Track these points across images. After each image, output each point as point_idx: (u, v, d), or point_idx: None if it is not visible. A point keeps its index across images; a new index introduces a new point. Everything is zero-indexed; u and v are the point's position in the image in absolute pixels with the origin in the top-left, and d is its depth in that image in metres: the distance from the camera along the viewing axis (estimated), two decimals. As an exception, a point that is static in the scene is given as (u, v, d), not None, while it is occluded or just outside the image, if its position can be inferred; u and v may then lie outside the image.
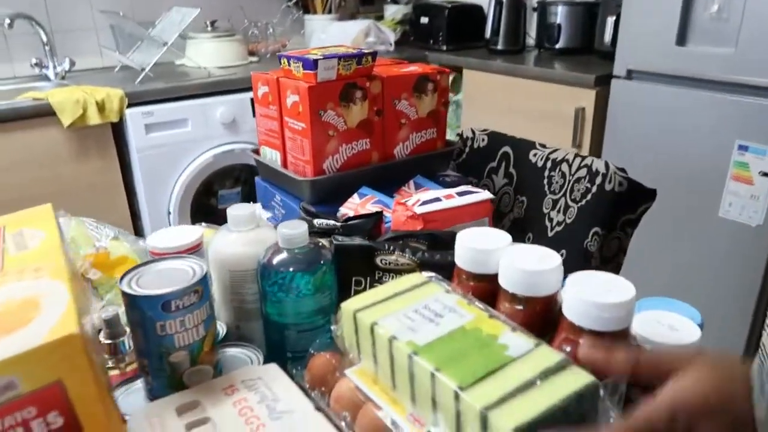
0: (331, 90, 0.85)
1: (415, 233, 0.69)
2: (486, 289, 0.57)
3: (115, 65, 2.27)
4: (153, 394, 0.54)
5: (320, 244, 0.63)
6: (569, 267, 0.90)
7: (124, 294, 0.50)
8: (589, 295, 0.47)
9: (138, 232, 2.04)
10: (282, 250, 0.60)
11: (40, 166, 1.79)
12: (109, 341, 0.59)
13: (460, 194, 0.79)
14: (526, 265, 0.51)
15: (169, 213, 2.00)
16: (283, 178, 0.92)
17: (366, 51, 0.88)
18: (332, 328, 0.53)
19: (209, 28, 2.34)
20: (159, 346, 0.51)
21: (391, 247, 0.66)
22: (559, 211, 0.95)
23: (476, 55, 2.41)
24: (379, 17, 2.88)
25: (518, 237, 1.02)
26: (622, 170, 0.89)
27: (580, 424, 0.41)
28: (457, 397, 0.41)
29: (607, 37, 2.10)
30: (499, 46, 2.47)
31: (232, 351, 0.61)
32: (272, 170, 0.95)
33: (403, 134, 0.96)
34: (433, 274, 0.57)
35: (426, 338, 0.47)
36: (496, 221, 1.06)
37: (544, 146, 1.01)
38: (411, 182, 0.92)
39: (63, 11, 2.22)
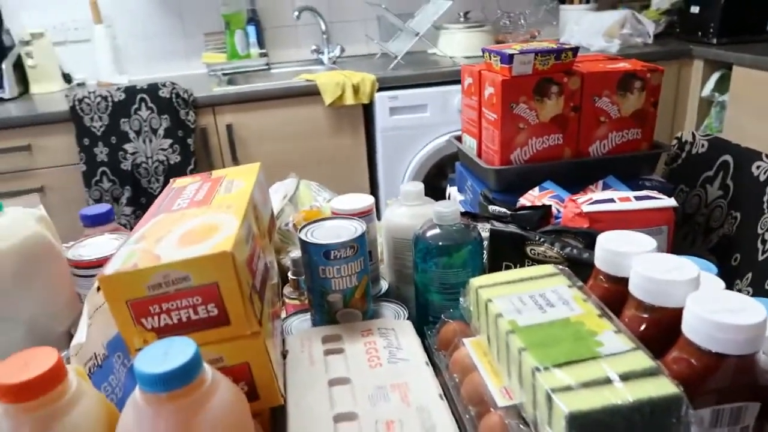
0: (525, 84, 0.88)
1: (572, 229, 0.70)
2: (620, 293, 0.57)
3: (376, 52, 2.55)
4: (315, 323, 0.67)
5: (471, 226, 0.68)
6: (773, 297, 0.80)
7: (300, 240, 0.63)
8: (708, 312, 0.45)
9: (377, 202, 2.29)
10: (435, 225, 0.67)
11: (304, 137, 2.13)
12: (294, 277, 0.74)
13: (639, 198, 0.76)
14: (654, 272, 0.50)
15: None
16: (475, 165, 0.99)
17: (567, 46, 0.89)
18: (461, 300, 0.59)
19: (462, 19, 2.47)
20: (320, 286, 0.63)
21: (542, 239, 0.68)
22: (774, 233, 0.84)
23: (753, 51, 2.11)
24: (645, 6, 2.68)
25: (725, 256, 0.92)
26: None
27: (656, 432, 0.41)
28: (534, 375, 0.44)
29: None
30: (786, 40, 2.11)
31: (386, 305, 0.71)
32: (467, 157, 1.02)
33: (601, 132, 0.94)
34: (566, 268, 0.58)
35: (528, 321, 0.50)
36: (703, 236, 0.97)
37: (771, 158, 0.89)
38: (600, 182, 0.90)
39: (340, 3, 2.57)
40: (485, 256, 0.72)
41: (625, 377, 0.42)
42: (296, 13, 2.33)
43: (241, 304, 0.45)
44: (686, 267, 0.51)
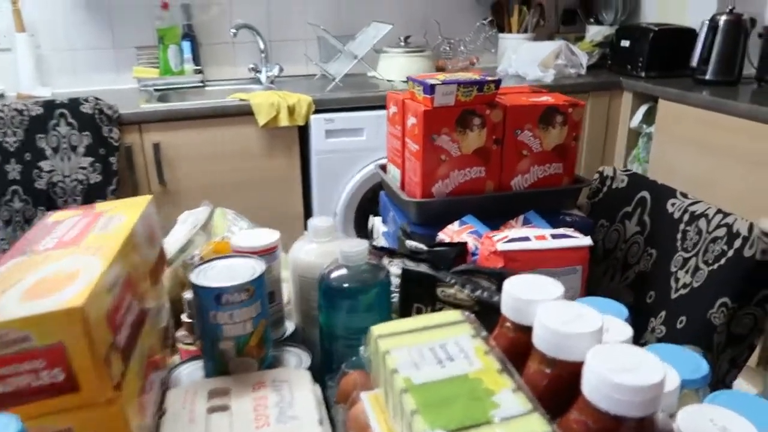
0: (447, 115, 0.86)
1: (485, 270, 0.67)
2: (526, 342, 0.54)
3: (316, 73, 2.52)
4: (207, 373, 0.61)
5: (380, 265, 0.65)
6: (687, 338, 0.81)
7: (191, 282, 0.58)
8: (607, 371, 0.42)
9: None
10: (341, 266, 0.63)
11: (237, 158, 2.06)
12: (188, 320, 0.68)
13: (555, 237, 0.74)
14: (556, 323, 0.48)
15: (335, 215, 2.16)
16: (396, 196, 0.96)
17: (489, 78, 0.87)
18: (361, 349, 0.55)
19: (402, 43, 2.47)
20: (211, 332, 0.58)
21: (453, 281, 0.65)
22: (687, 272, 0.84)
23: (677, 85, 2.19)
24: (580, 38, 2.76)
25: (641, 294, 0.92)
26: (770, 236, 0.76)
27: None
28: (423, 441, 0.40)
29: None
30: (708, 76, 2.21)
31: (290, 350, 0.67)
32: (390, 187, 0.99)
33: (524, 166, 0.93)
34: (472, 315, 0.56)
35: (424, 377, 0.47)
36: (621, 271, 0.97)
37: (685, 196, 0.90)
38: (521, 217, 0.89)
39: (280, 22, 2.53)
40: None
41: (519, 445, 0.39)
42: (233, 31, 2.27)
43: (92, 368, 0.39)
44: (589, 317, 0.49)
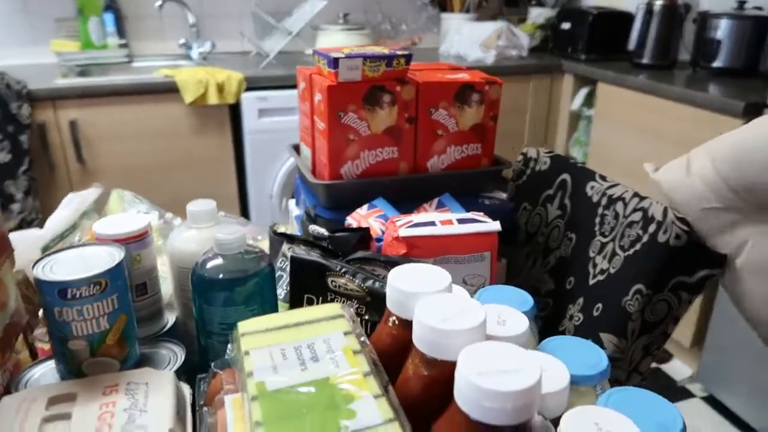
0: (354, 91, 0.80)
1: (381, 258, 0.62)
2: (409, 339, 0.49)
3: (251, 50, 2.41)
4: (61, 376, 0.54)
5: (260, 253, 0.59)
6: (602, 326, 0.77)
7: (34, 275, 0.51)
8: (477, 375, 0.37)
9: (244, 210, 2.15)
10: (216, 255, 0.57)
11: (164, 137, 1.95)
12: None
13: (462, 221, 0.70)
14: (433, 319, 0.43)
15: (271, 197, 2.08)
16: (306, 178, 0.89)
17: (399, 53, 0.81)
18: (228, 347, 0.49)
19: (341, 21, 2.38)
20: (58, 331, 0.51)
21: (344, 270, 0.59)
22: (604, 258, 0.81)
23: (616, 68, 2.19)
24: (522, 20, 2.73)
25: (561, 279, 0.89)
26: (684, 221, 0.73)
27: None
28: (261, 462, 0.35)
29: (774, 58, 1.79)
30: (645, 60, 2.22)
31: (165, 346, 0.60)
32: (301, 168, 0.92)
33: (440, 146, 0.88)
34: (351, 309, 0.50)
35: (280, 383, 0.41)
36: (543, 256, 0.93)
37: (604, 179, 0.86)
38: (435, 200, 0.84)
39: (213, -3, 2.41)
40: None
41: (366, 464, 0.34)
42: (158, 3, 2.14)
43: None
44: (472, 311, 0.44)
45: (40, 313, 0.61)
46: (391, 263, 0.61)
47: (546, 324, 0.88)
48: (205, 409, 0.50)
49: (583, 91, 2.40)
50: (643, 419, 0.44)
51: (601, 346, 0.76)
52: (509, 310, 0.54)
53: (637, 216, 0.77)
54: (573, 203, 0.90)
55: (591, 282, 0.82)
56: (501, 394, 0.35)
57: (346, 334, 0.46)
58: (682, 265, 0.74)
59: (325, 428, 0.36)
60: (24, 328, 0.59)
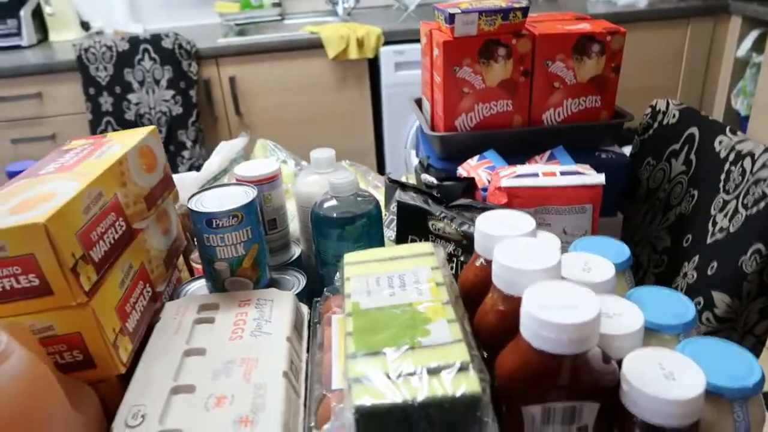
0: (469, 46, 0.83)
1: (476, 204, 0.67)
2: (491, 278, 0.54)
3: (393, 3, 2.46)
4: (209, 290, 0.67)
5: (369, 197, 0.66)
6: (715, 284, 0.76)
7: (188, 207, 0.63)
8: (538, 309, 0.41)
9: (380, 161, 2.27)
10: (332, 197, 0.65)
11: (308, 91, 2.10)
12: (199, 242, 0.74)
13: (565, 173, 0.71)
14: (509, 260, 0.47)
15: (405, 147, 2.16)
16: (423, 130, 0.95)
17: (516, 6, 0.82)
18: (336, 275, 0.58)
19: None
20: (207, 254, 0.63)
21: (443, 215, 0.65)
22: (726, 215, 0.78)
23: (794, 7, 1.93)
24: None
25: (678, 237, 0.87)
26: (817, 179, 0.68)
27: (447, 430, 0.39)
28: (347, 361, 0.43)
29: None
30: (833, -4, 1.92)
31: (291, 273, 0.70)
32: (420, 121, 0.98)
33: (555, 99, 0.88)
34: (440, 248, 0.56)
35: (372, 303, 0.48)
36: (662, 213, 0.91)
37: (734, 132, 0.82)
38: (547, 153, 0.85)
39: (357, -47, 2.48)
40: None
41: (433, 371, 0.40)
42: (307, -38, 2.26)
43: (61, 276, 0.44)
44: (546, 254, 0.48)
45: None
46: (486, 209, 0.66)
47: (659, 281, 0.87)
48: (318, 325, 0.59)
49: (753, 34, 2.14)
50: (717, 367, 0.45)
51: (713, 304, 0.74)
52: (597, 259, 0.56)
53: (765, 173, 0.73)
54: (699, 158, 0.86)
55: (709, 240, 0.79)
56: (558, 326, 0.40)
57: (433, 269, 0.52)
58: (810, 226, 0.69)
59: (402, 340, 0.43)
60: (183, 250, 0.73)
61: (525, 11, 0.83)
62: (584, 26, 0.87)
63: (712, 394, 0.44)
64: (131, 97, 1.96)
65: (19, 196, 0.48)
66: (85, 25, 2.40)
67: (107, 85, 1.94)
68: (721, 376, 0.44)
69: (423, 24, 0.96)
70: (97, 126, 1.97)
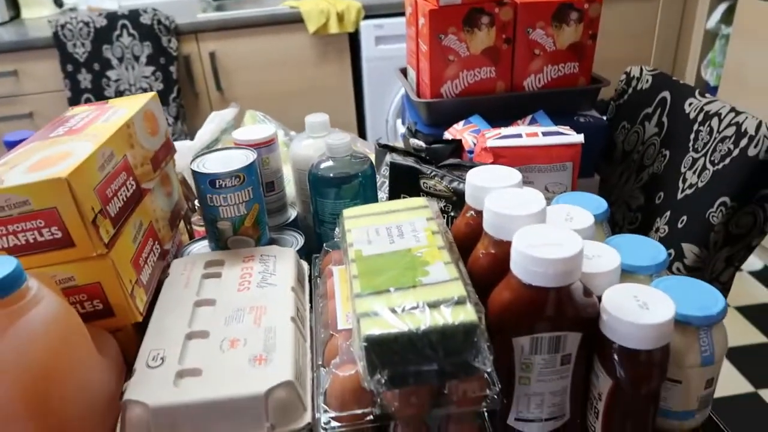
0: (454, 14, 0.86)
1: (466, 164, 0.71)
2: (480, 227, 0.58)
3: (371, -22, 2.47)
4: (211, 249, 0.70)
5: (363, 158, 0.70)
6: (685, 237, 0.81)
7: (191, 169, 0.65)
8: (526, 247, 0.46)
9: (362, 134, 2.29)
10: (328, 158, 0.68)
11: (289, 66, 2.11)
12: (199, 205, 0.77)
13: (546, 134, 0.76)
14: (499, 207, 0.51)
15: (387, 121, 2.19)
16: (410, 97, 0.98)
17: (498, -25, 0.86)
18: (336, 230, 0.62)
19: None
20: (210, 214, 0.66)
21: (434, 173, 0.69)
22: (695, 172, 0.83)
23: (761, -21, 1.99)
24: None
25: (651, 195, 0.92)
26: (778, 135, 0.73)
27: (451, 357, 0.43)
28: (354, 300, 0.47)
29: None
30: (797, -32, 1.98)
31: (288, 233, 0.74)
32: (406, 89, 1.01)
33: (536, 66, 0.92)
34: (433, 201, 0.60)
35: (373, 250, 0.52)
36: (636, 173, 0.96)
37: (703, 95, 0.87)
38: (529, 117, 0.90)
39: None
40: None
41: (433, 305, 0.44)
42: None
43: (82, 228, 0.47)
44: (533, 202, 0.52)
45: (196, 203, 0.77)
46: (475, 167, 0.70)
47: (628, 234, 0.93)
48: (318, 279, 0.63)
49: (722, 7, 2.21)
50: (685, 299, 0.50)
51: (683, 255, 0.80)
52: (577, 210, 0.61)
53: (731, 131, 0.78)
54: (670, 120, 0.91)
55: (679, 196, 0.85)
56: (544, 261, 0.44)
57: (428, 219, 0.56)
58: (770, 178, 0.75)
59: (404, 280, 0.47)
60: (184, 214, 0.76)
61: (506, -20, 0.86)
62: (562, -5, 0.91)
63: (680, 323, 0.49)
64: (110, 73, 1.95)
65: (34, 156, 0.51)
66: (57, 2, 2.36)
67: (85, 62, 1.92)
68: (688, 307, 0.49)
69: (407, -6, 0.99)
70: (76, 103, 1.96)
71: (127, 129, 0.58)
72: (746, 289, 2.01)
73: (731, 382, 1.62)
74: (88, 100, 1.95)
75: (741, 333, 1.78)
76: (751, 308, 1.91)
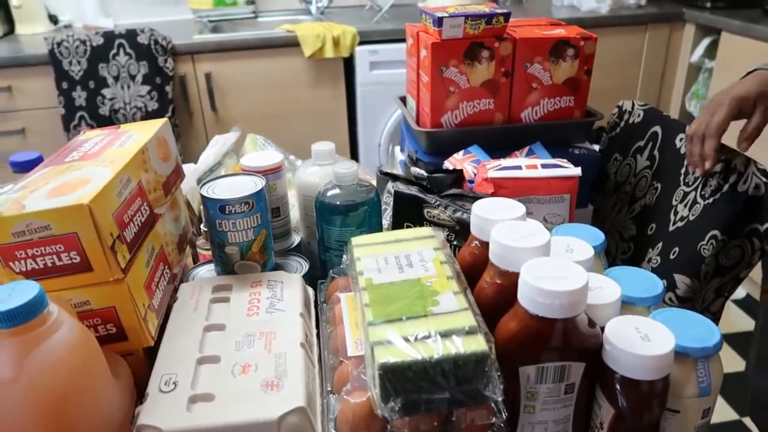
0: (455, 48, 0.89)
1: (469, 194, 0.73)
2: (486, 257, 0.60)
3: (366, 3, 2.51)
4: (217, 273, 0.71)
5: (369, 187, 0.71)
6: (677, 268, 0.84)
7: (201, 195, 0.67)
8: (533, 279, 0.47)
9: (354, 157, 2.31)
10: (336, 185, 0.70)
11: (284, 88, 2.13)
12: (205, 230, 0.78)
13: (545, 166, 0.78)
14: (506, 239, 0.53)
15: (379, 145, 2.22)
16: (410, 126, 1.01)
17: (498, 11, 0.89)
18: (343, 257, 0.63)
19: (452, -27, 2.41)
20: (218, 238, 0.67)
21: (437, 203, 0.71)
22: (686, 206, 0.86)
23: (743, 17, 2.07)
24: (644, -35, 2.60)
25: (643, 226, 0.95)
26: (765, 172, 0.76)
27: (463, 385, 0.45)
28: (367, 328, 0.48)
29: None
30: (777, 7, 2.06)
31: (293, 258, 0.75)
32: (406, 117, 1.04)
33: (533, 99, 0.95)
34: (439, 231, 0.62)
35: (383, 279, 0.54)
36: (629, 204, 0.99)
37: (693, 131, 0.90)
38: (526, 148, 0.92)
39: (330, -47, 2.52)
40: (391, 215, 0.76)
41: (445, 334, 0.46)
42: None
43: (101, 253, 0.48)
44: (538, 235, 0.54)
45: (202, 226, 0.78)
46: (477, 198, 0.72)
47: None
48: (325, 304, 0.64)
49: (705, 42, 2.28)
50: (683, 331, 0.52)
51: (675, 286, 0.82)
52: (577, 241, 0.63)
53: (719, 167, 0.81)
54: (662, 154, 0.94)
55: (671, 228, 0.88)
56: (552, 293, 0.46)
57: (435, 249, 0.58)
58: (757, 213, 0.77)
59: (416, 309, 0.49)
60: (190, 238, 0.77)
61: (507, 16, 0.90)
62: (560, 31, 0.95)
63: (679, 354, 0.51)
64: (105, 92, 1.95)
65: (53, 181, 0.52)
66: (53, 19, 2.37)
67: (81, 80, 1.93)
68: (686, 339, 0.51)
69: (408, 26, 1.02)
70: (70, 121, 1.96)
71: (142, 155, 0.59)
72: (729, 317, 2.05)
73: (716, 409, 1.64)
74: (82, 118, 1.96)
75: (725, 361, 1.81)
76: (734, 336, 1.94)
